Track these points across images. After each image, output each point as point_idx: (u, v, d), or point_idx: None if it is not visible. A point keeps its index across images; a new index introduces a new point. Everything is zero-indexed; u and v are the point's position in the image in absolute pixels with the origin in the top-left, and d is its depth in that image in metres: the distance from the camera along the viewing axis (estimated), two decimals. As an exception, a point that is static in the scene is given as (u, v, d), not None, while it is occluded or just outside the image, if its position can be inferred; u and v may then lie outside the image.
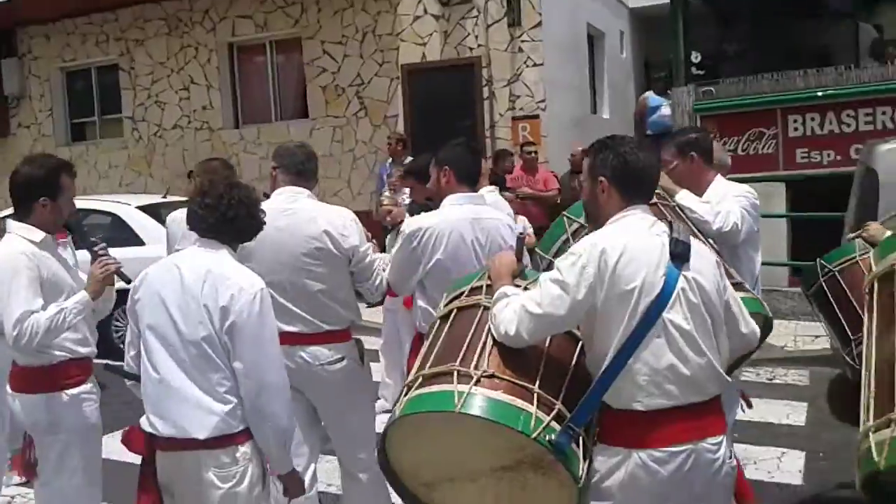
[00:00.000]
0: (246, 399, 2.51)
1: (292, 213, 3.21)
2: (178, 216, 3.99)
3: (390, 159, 9.18)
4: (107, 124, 12.96)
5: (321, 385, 3.14)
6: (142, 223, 7.80)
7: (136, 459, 2.67)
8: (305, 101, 11.28)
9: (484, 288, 2.45)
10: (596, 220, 2.38)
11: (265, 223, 2.78)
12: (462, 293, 2.50)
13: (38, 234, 3.00)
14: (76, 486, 3.06)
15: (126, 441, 2.67)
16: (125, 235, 7.53)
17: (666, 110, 11.38)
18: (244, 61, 11.83)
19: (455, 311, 2.45)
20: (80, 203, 7.56)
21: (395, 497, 2.95)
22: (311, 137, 11.00)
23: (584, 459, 2.21)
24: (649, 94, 11.75)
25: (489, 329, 2.30)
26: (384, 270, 3.35)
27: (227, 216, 2.62)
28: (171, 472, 2.59)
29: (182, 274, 2.56)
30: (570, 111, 10.68)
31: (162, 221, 7.96)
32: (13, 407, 3.13)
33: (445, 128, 10.08)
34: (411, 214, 3.85)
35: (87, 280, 3.03)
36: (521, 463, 2.26)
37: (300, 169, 3.35)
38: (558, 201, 8.45)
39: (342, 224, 3.26)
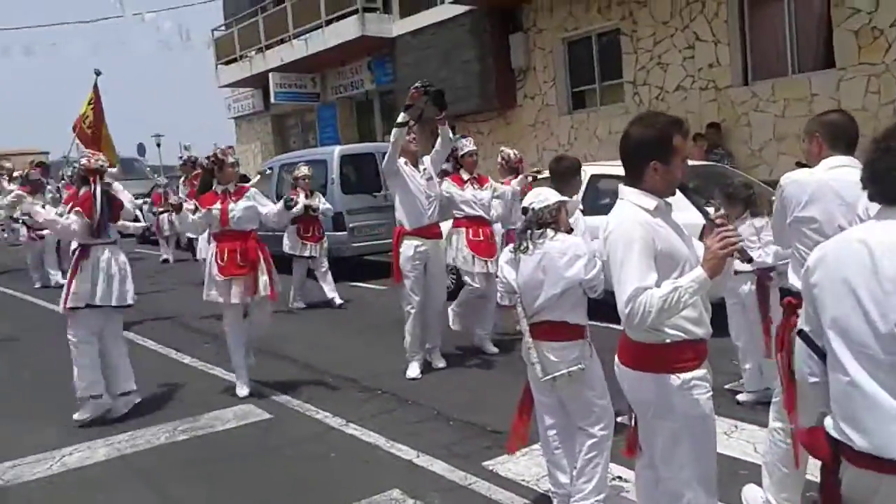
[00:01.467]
0: None
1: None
2: (796, 176, 3.39)
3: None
4: (606, 90, 13.12)
5: None
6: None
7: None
8: (831, 49, 9.89)
9: None
10: None
11: None
12: None
13: (651, 202, 2.67)
14: (684, 480, 2.71)
15: (807, 441, 2.19)
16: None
17: None
18: (757, 11, 10.82)
19: None
20: (595, 169, 7.70)
21: None
22: (837, 90, 9.63)
23: None
24: None
25: None
26: None
27: None
28: (863, 492, 2.03)
29: (873, 253, 1.96)
30: None
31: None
32: (620, 379, 2.89)
33: None
34: None
35: (702, 254, 2.61)
36: None
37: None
38: None
39: None
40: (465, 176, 6.76)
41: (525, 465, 4.30)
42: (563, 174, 5.02)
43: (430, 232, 6.23)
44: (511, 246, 3.80)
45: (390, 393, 5.82)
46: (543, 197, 3.75)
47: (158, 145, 29.92)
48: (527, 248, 3.66)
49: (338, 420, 5.25)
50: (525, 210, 3.78)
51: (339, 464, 4.57)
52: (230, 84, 22.83)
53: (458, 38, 14.56)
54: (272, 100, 20.06)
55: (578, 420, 3.63)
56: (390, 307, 8.03)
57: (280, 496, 4.19)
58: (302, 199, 5.50)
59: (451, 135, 6.27)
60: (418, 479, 4.24)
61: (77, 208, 5.44)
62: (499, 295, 3.95)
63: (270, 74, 19.44)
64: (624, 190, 2.78)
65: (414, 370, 6.25)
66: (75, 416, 5.39)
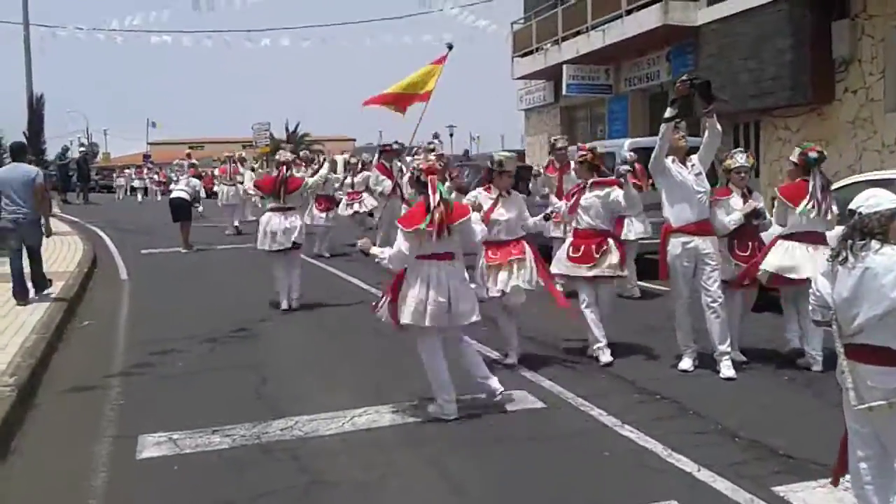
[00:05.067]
0: None
1: None
2: None
3: None
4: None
5: None
6: None
7: None
8: None
9: None
10: None
11: None
12: None
13: None
14: None
15: None
16: None
17: None
18: None
19: None
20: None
21: None
22: None
23: None
24: None
25: None
26: None
27: None
28: None
29: None
30: None
31: None
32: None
33: None
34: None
35: None
36: None
37: None
38: None
39: None
40: None
41: (822, 497, 3.87)
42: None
43: (699, 228, 6.06)
44: (829, 255, 3.37)
45: (670, 399, 5.52)
46: (876, 201, 3.25)
47: (451, 135, 31.63)
48: (846, 258, 3.21)
49: (612, 419, 5.08)
50: (852, 213, 3.32)
51: (613, 465, 4.42)
52: (524, 76, 23.31)
53: (770, 25, 13.44)
54: (563, 92, 20.11)
55: None
56: (670, 308, 7.66)
57: (550, 487, 4.14)
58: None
59: (718, 128, 5.99)
60: (699, 495, 3.99)
61: None
62: (810, 308, 3.53)
63: (564, 66, 19.49)
64: None
65: (685, 363, 6.26)
66: None
